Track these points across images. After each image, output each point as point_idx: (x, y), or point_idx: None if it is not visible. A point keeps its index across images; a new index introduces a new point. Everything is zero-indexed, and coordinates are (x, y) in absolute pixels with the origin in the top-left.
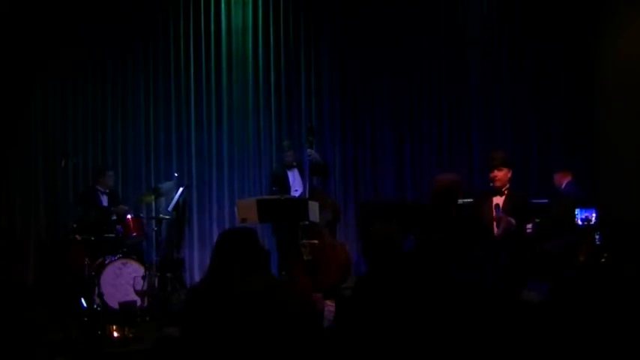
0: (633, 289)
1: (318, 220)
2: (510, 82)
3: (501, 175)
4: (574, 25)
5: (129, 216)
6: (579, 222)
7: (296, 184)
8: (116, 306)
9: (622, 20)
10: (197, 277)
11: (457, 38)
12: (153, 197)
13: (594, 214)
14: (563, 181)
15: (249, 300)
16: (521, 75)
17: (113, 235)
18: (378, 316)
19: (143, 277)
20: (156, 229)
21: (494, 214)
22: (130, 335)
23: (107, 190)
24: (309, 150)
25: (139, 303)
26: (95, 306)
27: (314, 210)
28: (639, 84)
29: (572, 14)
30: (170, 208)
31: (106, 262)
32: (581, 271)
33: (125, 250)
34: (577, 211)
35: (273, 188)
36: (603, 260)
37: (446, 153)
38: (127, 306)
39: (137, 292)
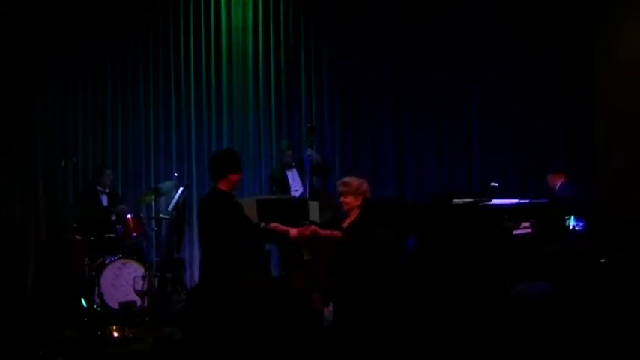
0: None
1: (318, 220)
2: (511, 82)
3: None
4: (574, 25)
5: (129, 216)
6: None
7: (295, 184)
8: (116, 306)
9: (623, 22)
10: (197, 277)
11: (457, 39)
12: (153, 197)
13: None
14: (557, 182)
15: (248, 300)
16: (521, 75)
17: (113, 235)
18: (380, 315)
19: (143, 277)
20: (156, 229)
21: None
22: (130, 335)
23: (107, 190)
24: (309, 150)
25: (139, 303)
26: (95, 306)
27: (314, 210)
28: (639, 85)
29: (573, 15)
30: (170, 208)
31: (106, 262)
32: (581, 272)
33: (125, 250)
34: (572, 219)
35: (273, 189)
36: (603, 261)
37: (446, 153)
38: (127, 306)
39: (137, 292)
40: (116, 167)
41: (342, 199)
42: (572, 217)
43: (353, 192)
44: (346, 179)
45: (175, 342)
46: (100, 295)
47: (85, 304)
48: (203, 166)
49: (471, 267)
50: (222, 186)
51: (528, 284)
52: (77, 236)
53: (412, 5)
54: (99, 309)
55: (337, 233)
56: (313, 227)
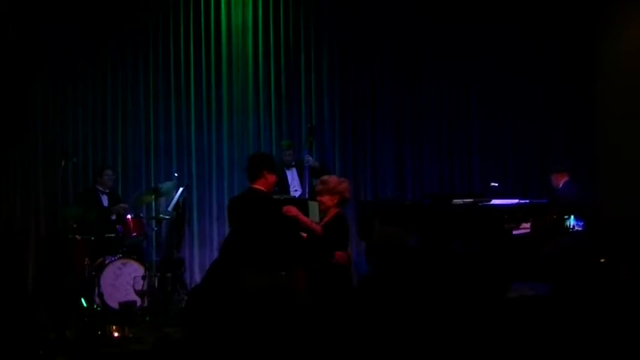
0: (634, 291)
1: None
2: (511, 82)
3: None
4: (575, 24)
5: (129, 216)
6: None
7: (295, 184)
8: (116, 306)
9: (623, 20)
10: (197, 277)
11: (457, 39)
12: (153, 197)
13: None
14: (560, 181)
15: (250, 299)
16: (521, 75)
17: (113, 235)
18: (382, 314)
19: (143, 277)
20: (156, 229)
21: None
22: (130, 335)
23: (107, 190)
24: (307, 157)
25: (139, 303)
26: (95, 306)
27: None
28: (639, 85)
29: (573, 13)
30: (170, 208)
31: (106, 262)
32: (581, 272)
33: (125, 250)
34: (572, 219)
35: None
36: (603, 261)
37: (446, 153)
38: (127, 306)
39: (137, 292)
40: (116, 167)
41: (318, 197)
42: (572, 216)
43: (329, 191)
44: (324, 177)
45: (175, 342)
46: (100, 295)
47: (85, 304)
48: (203, 166)
49: (471, 267)
50: (260, 185)
51: (528, 286)
52: (77, 236)
53: (412, 5)
54: (99, 309)
55: (317, 228)
56: (295, 211)
